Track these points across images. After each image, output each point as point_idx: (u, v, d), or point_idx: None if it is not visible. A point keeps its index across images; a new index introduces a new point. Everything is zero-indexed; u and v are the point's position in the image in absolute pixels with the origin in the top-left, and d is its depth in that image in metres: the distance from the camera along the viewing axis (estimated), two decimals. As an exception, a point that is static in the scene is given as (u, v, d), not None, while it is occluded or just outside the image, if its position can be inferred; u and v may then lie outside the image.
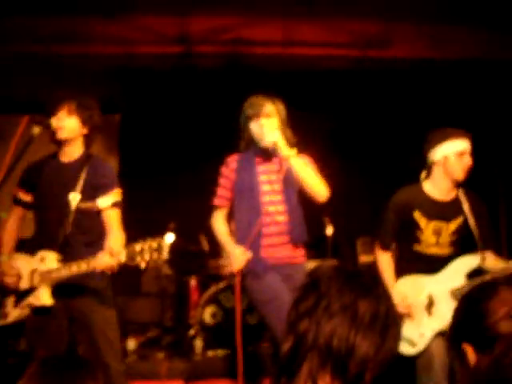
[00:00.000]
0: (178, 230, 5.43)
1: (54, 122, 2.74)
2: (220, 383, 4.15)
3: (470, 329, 1.25)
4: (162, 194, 6.06)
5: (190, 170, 6.12)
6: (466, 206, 3.02)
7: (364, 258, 5.42)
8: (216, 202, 3.13)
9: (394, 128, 6.04)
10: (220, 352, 4.64)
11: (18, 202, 2.94)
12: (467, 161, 2.98)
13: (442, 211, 3.02)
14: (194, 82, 5.84)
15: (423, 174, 3.13)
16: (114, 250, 2.52)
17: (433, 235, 2.99)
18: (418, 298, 2.97)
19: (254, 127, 2.96)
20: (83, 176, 2.78)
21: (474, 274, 2.97)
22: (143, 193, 5.83)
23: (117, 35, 5.45)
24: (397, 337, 1.20)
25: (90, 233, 2.83)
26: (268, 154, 2.99)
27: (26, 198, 2.91)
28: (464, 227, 3.01)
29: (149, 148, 6.24)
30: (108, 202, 2.79)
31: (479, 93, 5.71)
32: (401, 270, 3.10)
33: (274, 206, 2.93)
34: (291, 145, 2.94)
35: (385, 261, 3.12)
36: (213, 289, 5.22)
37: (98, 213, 2.81)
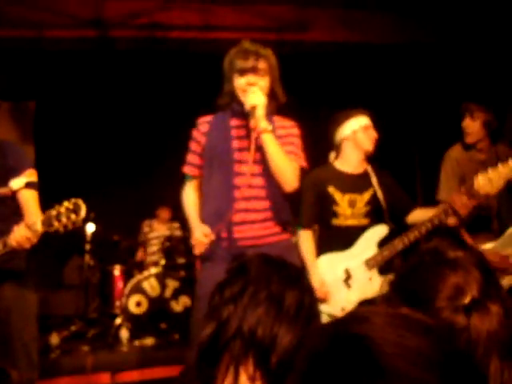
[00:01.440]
0: (98, 219, 5.33)
1: None
2: (148, 373, 4.12)
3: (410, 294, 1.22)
4: (79, 183, 5.90)
5: (107, 156, 5.99)
6: (374, 180, 3.20)
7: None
8: (186, 169, 2.70)
9: (309, 111, 6.15)
10: (147, 341, 4.61)
11: None
12: (373, 133, 3.20)
13: (354, 184, 3.16)
14: (110, 67, 5.70)
15: (332, 155, 3.29)
16: (29, 222, 2.41)
17: (348, 207, 3.12)
18: (336, 274, 3.09)
19: (240, 82, 2.53)
20: None
21: (384, 242, 3.11)
22: (60, 182, 5.65)
23: (28, 18, 5.21)
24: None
25: (8, 220, 2.69)
26: (247, 115, 2.53)
27: None
28: (375, 199, 3.17)
29: (65, 135, 6.05)
30: (21, 183, 2.65)
31: (391, 75, 5.90)
32: (323, 248, 3.19)
33: (247, 179, 2.48)
34: (279, 105, 2.63)
35: (306, 239, 3.20)
36: (137, 277, 5.16)
37: (14, 199, 2.69)
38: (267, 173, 2.53)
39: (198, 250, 2.50)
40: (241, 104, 2.55)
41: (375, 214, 3.17)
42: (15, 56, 5.65)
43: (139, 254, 5.97)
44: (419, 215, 3.16)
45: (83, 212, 2.31)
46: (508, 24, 5.04)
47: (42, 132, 6.30)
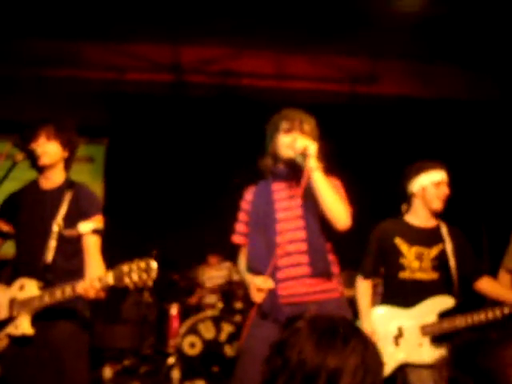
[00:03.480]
0: (161, 257, 5.41)
1: (37, 148, 2.70)
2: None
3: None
4: (146, 222, 6.04)
5: (176, 199, 6.12)
6: (445, 235, 3.08)
7: (347, 292, 5.40)
8: (235, 239, 2.78)
9: (380, 163, 6.10)
10: (198, 383, 4.57)
11: None
12: (444, 190, 3.07)
13: (423, 237, 3.07)
14: (184, 111, 5.88)
15: (404, 207, 3.22)
16: (100, 275, 2.47)
17: (415, 260, 3.02)
18: (388, 328, 3.00)
19: (284, 139, 2.60)
20: (66, 203, 2.73)
21: (446, 314, 2.97)
22: (128, 220, 5.81)
23: (108, 61, 5.49)
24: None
25: (73, 260, 2.76)
26: (288, 176, 2.63)
27: (4, 227, 2.86)
28: (444, 255, 3.05)
29: (136, 175, 6.24)
30: (88, 228, 2.73)
31: (464, 132, 5.79)
32: (385, 301, 3.11)
33: (291, 234, 2.55)
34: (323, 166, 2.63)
35: (363, 288, 3.15)
36: (193, 318, 5.17)
37: (79, 239, 2.77)
38: (309, 226, 2.56)
39: (259, 296, 2.52)
40: (285, 163, 2.62)
41: (444, 270, 3.04)
42: (94, 96, 5.94)
43: (195, 298, 5.99)
44: (488, 287, 3.05)
45: (154, 273, 2.35)
46: None
47: (112, 169, 6.53)
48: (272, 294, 2.53)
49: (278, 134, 2.64)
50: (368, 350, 1.21)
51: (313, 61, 5.47)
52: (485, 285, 3.07)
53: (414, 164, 3.15)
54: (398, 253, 3.04)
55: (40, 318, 2.60)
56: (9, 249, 3.03)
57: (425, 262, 3.02)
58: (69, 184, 2.81)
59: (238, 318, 5.17)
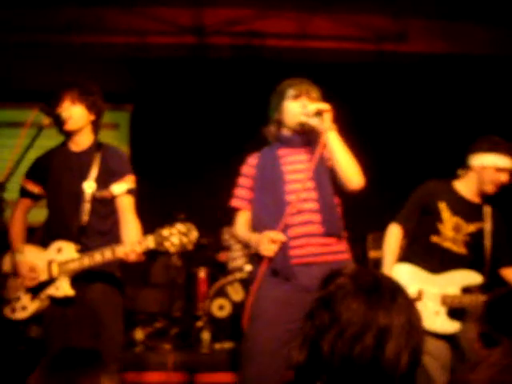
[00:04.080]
0: (189, 221, 5.45)
1: (62, 112, 2.70)
2: (225, 376, 4.15)
3: None
4: (172, 187, 6.07)
5: (202, 162, 6.12)
6: (487, 215, 3.04)
7: (374, 254, 5.39)
8: (234, 203, 2.79)
9: (408, 124, 6.00)
10: (227, 345, 4.64)
11: (25, 193, 2.89)
12: (502, 178, 2.99)
13: (466, 210, 3.03)
14: (207, 73, 5.83)
15: (460, 171, 3.15)
16: (139, 239, 2.49)
17: (452, 230, 3.00)
18: (409, 288, 2.95)
19: (293, 106, 2.62)
20: (96, 164, 2.75)
21: (469, 290, 2.98)
22: (154, 184, 5.83)
23: (130, 25, 5.45)
24: (419, 343, 1.17)
25: (106, 221, 2.79)
26: (295, 142, 2.67)
27: (35, 189, 2.88)
28: (480, 234, 3.02)
29: (161, 140, 6.24)
30: (122, 189, 2.74)
31: (497, 90, 5.64)
32: (411, 260, 3.08)
33: (302, 194, 2.55)
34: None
35: (394, 234, 3.10)
36: (221, 281, 5.22)
37: (112, 200, 2.78)
38: (321, 187, 2.58)
39: (271, 249, 2.50)
40: (293, 129, 2.66)
41: (475, 248, 3.03)
42: (117, 61, 5.92)
43: (222, 256, 6.02)
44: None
45: (194, 237, 2.37)
46: None
47: (137, 134, 6.54)
48: (283, 251, 2.52)
49: (285, 102, 2.66)
50: (412, 308, 1.20)
51: (337, 20, 5.35)
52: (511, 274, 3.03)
53: (489, 138, 3.04)
54: (438, 216, 3.00)
55: (77, 279, 2.65)
56: (37, 216, 3.08)
57: (459, 235, 2.99)
58: (97, 146, 2.82)
59: (266, 280, 5.20)
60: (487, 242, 3.00)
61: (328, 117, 2.54)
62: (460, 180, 3.11)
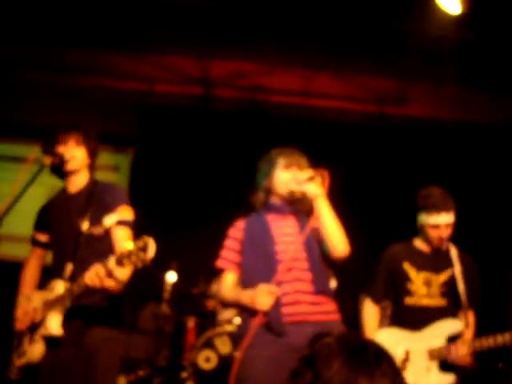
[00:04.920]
0: (180, 270, 5.41)
1: (66, 152, 2.73)
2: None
3: None
4: (168, 234, 6.04)
5: (199, 213, 6.12)
6: (455, 259, 3.06)
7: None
8: (220, 263, 2.79)
9: (405, 186, 6.04)
10: (211, 399, 4.54)
11: (36, 243, 2.93)
12: (442, 233, 3.01)
13: (431, 263, 3.07)
14: (210, 124, 5.90)
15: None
16: (102, 262, 2.43)
17: (423, 285, 3.02)
18: (395, 351, 2.94)
19: (284, 175, 2.68)
20: (92, 201, 2.75)
21: (453, 338, 2.96)
22: (151, 230, 5.81)
23: (138, 71, 5.56)
24: None
25: (105, 257, 2.75)
26: (284, 210, 2.72)
27: (43, 238, 2.91)
28: (453, 280, 3.04)
29: (160, 186, 6.26)
30: (113, 220, 2.68)
31: (494, 157, 5.71)
32: (393, 326, 3.09)
33: (292, 253, 2.57)
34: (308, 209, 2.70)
35: (371, 312, 3.14)
36: (210, 332, 5.14)
37: (108, 235, 2.74)
38: (310, 248, 2.61)
39: (268, 301, 2.48)
40: (282, 197, 2.71)
41: (453, 296, 3.03)
42: (123, 106, 6.00)
43: (211, 303, 5.94)
44: (468, 321, 3.02)
45: (152, 250, 2.32)
46: None
47: (137, 178, 6.57)
48: (276, 308, 2.51)
49: (276, 170, 2.71)
50: (398, 375, 1.17)
51: (342, 79, 5.47)
52: (469, 318, 3.03)
53: (423, 196, 3.09)
54: (405, 277, 3.04)
55: (74, 322, 2.60)
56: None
57: (433, 288, 3.01)
58: (93, 183, 2.83)
59: (254, 334, 5.13)
60: (460, 285, 3.01)
61: (318, 183, 2.58)
62: (418, 236, 3.16)
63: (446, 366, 2.90)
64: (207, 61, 5.58)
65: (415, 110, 5.60)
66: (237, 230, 2.80)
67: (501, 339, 2.80)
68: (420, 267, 3.05)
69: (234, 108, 5.75)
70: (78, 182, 2.83)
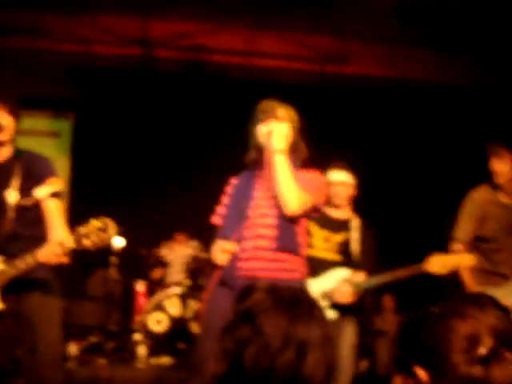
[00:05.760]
0: (128, 234, 5.38)
1: (2, 121, 2.64)
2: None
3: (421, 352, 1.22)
4: (114, 198, 5.98)
5: (144, 175, 6.07)
6: (354, 228, 3.42)
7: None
8: (213, 220, 2.81)
9: (347, 143, 6.15)
10: (164, 360, 4.59)
11: None
12: (342, 191, 3.39)
13: (332, 224, 3.41)
14: (153, 86, 5.80)
15: None
16: (61, 240, 2.43)
17: (322, 241, 3.39)
18: None
19: (262, 130, 2.65)
20: (18, 171, 2.69)
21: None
22: (96, 196, 5.75)
23: (75, 33, 5.37)
24: (333, 356, 1.20)
25: (36, 228, 2.72)
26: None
27: None
28: (347, 244, 3.41)
29: (103, 151, 6.15)
30: (45, 192, 2.67)
31: (437, 116, 5.85)
32: None
33: (263, 209, 2.62)
34: (301, 159, 2.72)
35: None
36: (160, 295, 5.17)
37: (38, 206, 2.71)
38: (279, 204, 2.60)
39: (221, 258, 2.56)
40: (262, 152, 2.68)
41: (347, 255, 3.37)
42: (61, 68, 5.81)
43: (156, 273, 5.96)
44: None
45: (112, 231, 2.33)
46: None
47: (79, 144, 6.43)
48: (232, 262, 2.57)
49: (256, 126, 2.69)
50: (326, 321, 1.23)
51: (283, 39, 5.44)
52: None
53: (333, 158, 3.49)
54: (308, 233, 3.28)
55: (10, 291, 2.57)
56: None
57: (330, 244, 3.40)
58: (18, 153, 2.76)
59: (204, 295, 5.19)
60: (355, 249, 3.37)
61: (277, 138, 2.58)
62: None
63: (336, 306, 3.23)
64: (147, 21, 5.43)
65: (356, 68, 5.65)
66: (230, 186, 2.84)
67: (412, 270, 3.08)
68: (322, 226, 3.37)
69: (176, 69, 5.65)
70: (5, 151, 2.75)
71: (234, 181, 2.86)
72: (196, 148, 5.97)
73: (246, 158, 2.81)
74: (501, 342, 1.12)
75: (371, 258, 3.43)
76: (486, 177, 3.22)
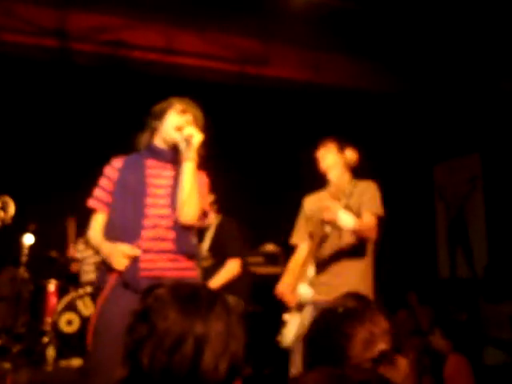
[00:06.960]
0: (39, 232, 5.19)
1: None
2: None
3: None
4: (24, 196, 5.74)
5: (57, 173, 5.87)
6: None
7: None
8: (91, 203, 2.67)
9: (263, 144, 6.23)
10: (74, 362, 4.46)
11: None
12: None
13: None
14: (68, 79, 5.61)
15: None
16: None
17: None
18: None
19: (175, 119, 2.64)
20: None
21: None
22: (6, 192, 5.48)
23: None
24: (239, 350, 1.20)
25: None
26: (165, 156, 2.68)
27: None
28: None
29: (17, 145, 5.89)
30: None
31: (355, 122, 6.01)
32: None
33: (159, 209, 2.58)
34: (200, 158, 2.69)
35: None
36: (72, 295, 5.02)
37: None
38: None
39: (122, 263, 2.48)
40: (167, 143, 2.67)
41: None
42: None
43: (74, 266, 5.79)
44: None
45: (12, 209, 2.24)
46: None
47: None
48: (133, 263, 2.52)
49: (169, 112, 2.67)
50: (231, 316, 1.23)
51: (204, 38, 5.43)
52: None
53: None
54: None
55: None
56: None
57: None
58: None
59: (118, 295, 5.09)
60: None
61: (194, 147, 2.58)
62: None
63: None
64: (63, 12, 5.24)
65: (276, 71, 5.72)
66: (112, 170, 2.70)
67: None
68: None
69: (94, 63, 5.49)
70: None
71: (116, 163, 2.72)
72: (106, 142, 5.84)
73: (138, 137, 2.76)
74: (393, 345, 1.19)
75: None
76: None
